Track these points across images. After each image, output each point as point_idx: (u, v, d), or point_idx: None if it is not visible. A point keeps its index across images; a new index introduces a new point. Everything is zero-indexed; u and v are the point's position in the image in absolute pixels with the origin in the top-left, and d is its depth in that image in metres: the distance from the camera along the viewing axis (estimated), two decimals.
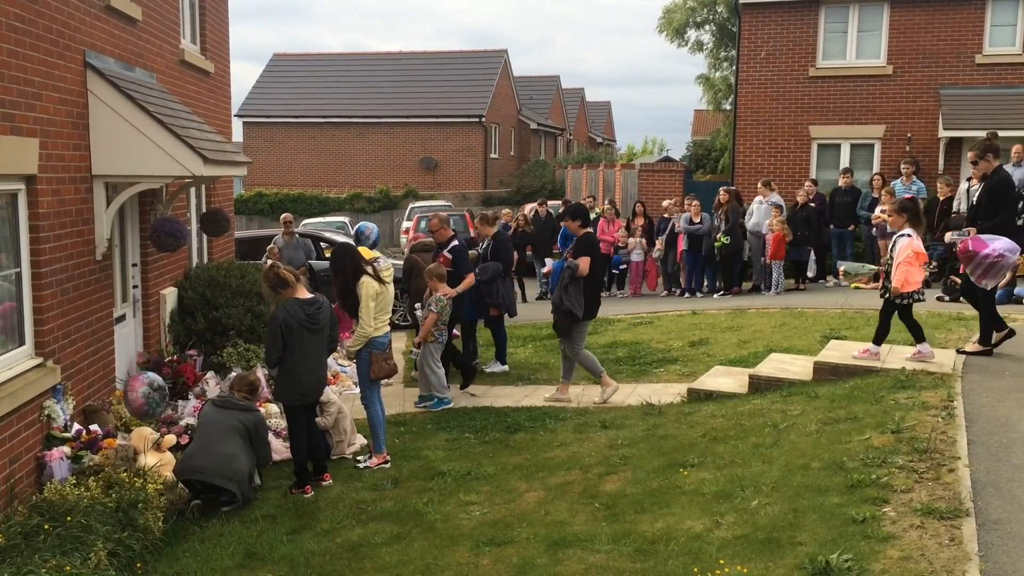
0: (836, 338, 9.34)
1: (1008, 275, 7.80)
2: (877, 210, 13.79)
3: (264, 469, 7.28)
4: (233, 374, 8.51)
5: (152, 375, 7.60)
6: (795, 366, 8.42)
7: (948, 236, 8.09)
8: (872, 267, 11.93)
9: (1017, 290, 12.18)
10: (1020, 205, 8.29)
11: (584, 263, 8.64)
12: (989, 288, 7.97)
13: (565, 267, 8.74)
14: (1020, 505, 4.83)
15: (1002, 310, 11.25)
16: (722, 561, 4.59)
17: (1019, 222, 8.19)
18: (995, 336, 8.21)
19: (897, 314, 7.88)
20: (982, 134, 16.25)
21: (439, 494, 6.54)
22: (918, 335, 7.87)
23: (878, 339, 7.95)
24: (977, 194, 8.27)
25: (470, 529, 5.78)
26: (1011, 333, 8.19)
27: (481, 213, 11.08)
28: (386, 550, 5.62)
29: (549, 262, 9.96)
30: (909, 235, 7.73)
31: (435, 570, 5.21)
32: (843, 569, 4.26)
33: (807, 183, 15.96)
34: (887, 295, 7.83)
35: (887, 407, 6.63)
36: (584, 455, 7.00)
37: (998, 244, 7.66)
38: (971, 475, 5.21)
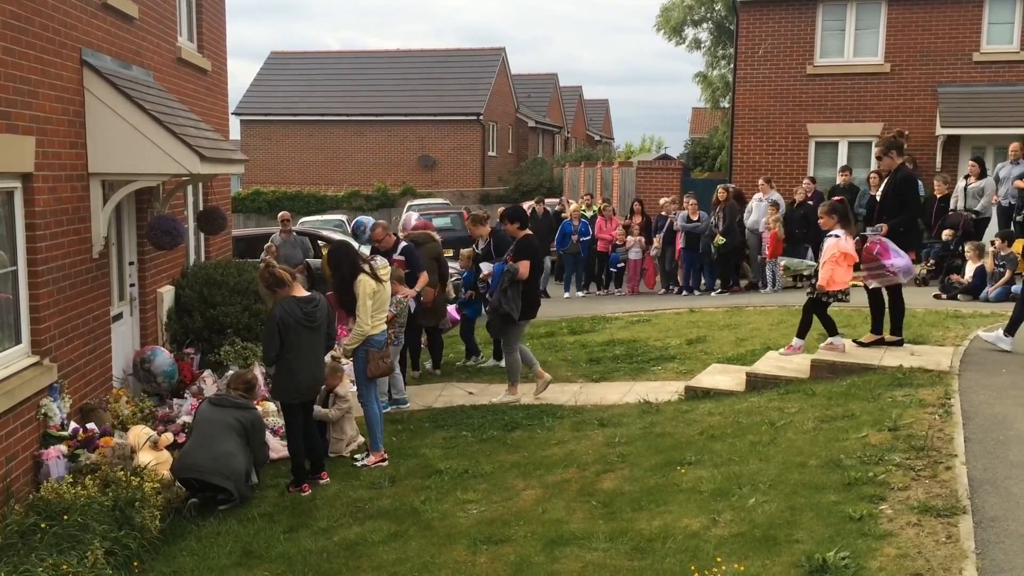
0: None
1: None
2: None
3: (262, 468, 7.28)
4: (230, 372, 8.50)
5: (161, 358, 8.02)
6: (792, 364, 8.41)
7: (869, 231, 8.24)
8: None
9: (1015, 288, 12.19)
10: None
11: (524, 267, 8.70)
12: (871, 288, 8.24)
13: (505, 270, 8.74)
14: (1017, 502, 4.83)
15: (999, 308, 11.28)
16: (719, 559, 4.59)
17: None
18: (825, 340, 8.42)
19: (808, 306, 8.28)
20: (980, 132, 16.46)
21: (436, 492, 6.54)
22: (831, 329, 8.19)
23: (801, 333, 8.38)
24: (881, 190, 8.40)
25: (467, 527, 5.78)
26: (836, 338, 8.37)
27: (473, 214, 11.04)
28: (383, 548, 5.62)
29: (487, 266, 10.03)
30: (838, 235, 7.98)
31: (432, 568, 5.21)
32: (840, 567, 4.26)
33: (805, 181, 15.97)
34: (812, 293, 8.20)
35: (884, 405, 6.63)
36: (581, 453, 7.00)
37: (899, 262, 7.90)
38: (968, 473, 5.22)
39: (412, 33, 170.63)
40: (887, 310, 8.34)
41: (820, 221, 8.41)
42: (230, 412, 6.85)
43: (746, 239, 15.74)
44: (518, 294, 8.67)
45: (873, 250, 7.94)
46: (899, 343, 8.28)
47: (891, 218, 8.13)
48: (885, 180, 8.37)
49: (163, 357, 8.21)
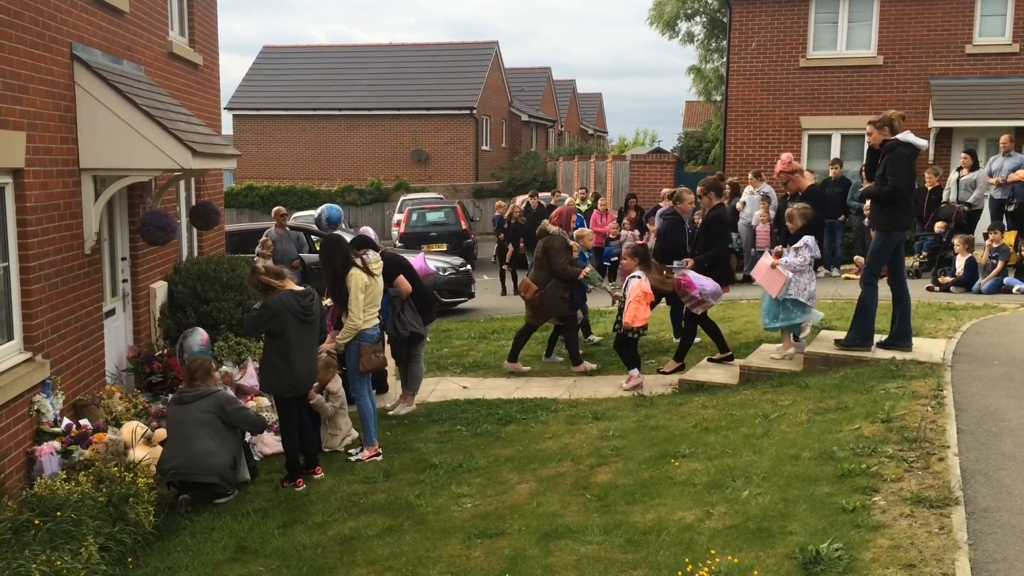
0: (826, 328, 9.36)
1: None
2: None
3: (259, 434, 7.32)
4: (224, 368, 8.48)
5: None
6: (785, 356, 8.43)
7: (675, 266, 9.33)
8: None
9: (1007, 280, 12.24)
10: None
11: (405, 285, 8.38)
12: (699, 313, 8.98)
13: (391, 297, 8.31)
14: (1009, 493, 4.86)
15: (992, 299, 11.32)
16: (713, 551, 4.60)
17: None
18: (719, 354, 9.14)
19: (618, 343, 9.01)
20: (972, 124, 16.51)
21: (431, 486, 6.54)
22: (635, 363, 8.98)
23: (631, 365, 8.99)
24: (698, 229, 9.44)
25: (462, 521, 5.78)
26: (731, 357, 9.07)
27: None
28: (378, 543, 5.62)
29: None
30: (639, 276, 8.76)
31: (427, 562, 5.22)
32: (833, 558, 4.28)
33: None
34: (619, 329, 8.87)
35: (877, 397, 6.65)
36: (576, 446, 7.01)
37: (706, 287, 8.73)
38: (960, 464, 5.24)
39: (399, 26, 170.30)
40: (707, 331, 9.17)
41: (623, 263, 9.35)
42: (195, 406, 6.73)
43: (737, 233, 15.73)
44: (413, 310, 8.45)
45: (681, 283, 8.80)
46: (729, 358, 9.05)
47: (700, 253, 9.01)
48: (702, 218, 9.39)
49: (198, 337, 8.43)
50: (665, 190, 16.91)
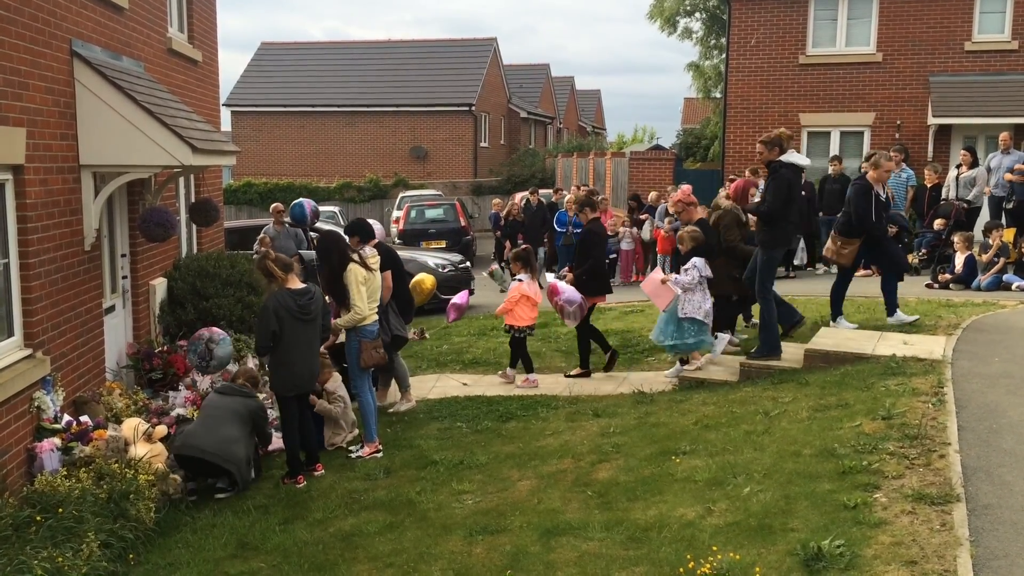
0: (826, 325, 9.37)
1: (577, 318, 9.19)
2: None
3: (267, 447, 7.39)
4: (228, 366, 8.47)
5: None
6: (786, 353, 8.44)
7: (552, 275, 9.94)
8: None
9: (1007, 277, 12.24)
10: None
11: (387, 282, 8.28)
12: (571, 326, 9.51)
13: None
14: (1010, 490, 4.86)
15: (991, 296, 11.33)
16: (715, 548, 4.61)
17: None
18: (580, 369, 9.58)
19: (511, 342, 9.46)
20: (972, 121, 16.50)
21: (432, 483, 6.54)
22: (528, 365, 9.44)
23: (512, 364, 9.52)
24: (576, 243, 10.01)
25: (463, 518, 5.79)
26: (588, 374, 9.51)
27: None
28: (379, 539, 5.63)
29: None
30: (521, 279, 9.33)
31: (428, 559, 5.22)
32: (835, 555, 4.28)
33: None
34: (508, 329, 9.41)
35: (878, 394, 6.66)
36: (576, 443, 7.01)
37: (567, 294, 9.18)
38: (961, 461, 5.25)
39: (395, 23, 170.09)
40: (592, 340, 9.61)
41: (511, 266, 9.75)
42: (237, 399, 6.98)
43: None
44: (395, 312, 8.46)
45: (549, 288, 9.36)
46: (587, 374, 9.49)
47: (578, 267, 9.50)
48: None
49: (228, 347, 8.29)
50: (670, 188, 16.96)
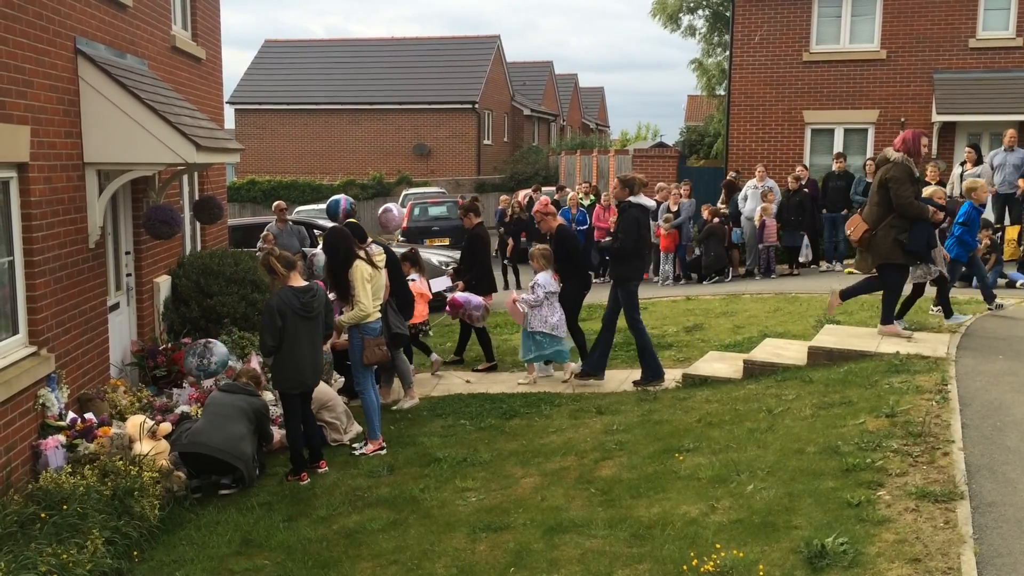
0: (830, 323, 9.36)
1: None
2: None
3: (268, 445, 7.41)
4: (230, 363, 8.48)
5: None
6: (789, 351, 8.44)
7: (445, 287, 10.86)
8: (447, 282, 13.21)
9: (1011, 274, 12.23)
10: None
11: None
12: (480, 326, 10.03)
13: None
14: (1014, 488, 4.86)
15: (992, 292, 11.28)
16: (718, 545, 4.61)
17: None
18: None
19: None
20: (976, 118, 16.47)
21: (435, 480, 6.55)
22: (427, 351, 10.04)
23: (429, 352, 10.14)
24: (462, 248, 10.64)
25: (466, 515, 5.79)
26: (495, 367, 10.05)
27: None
28: (383, 536, 5.64)
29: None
30: (414, 279, 9.59)
31: (432, 556, 5.23)
32: (839, 552, 4.28)
33: (799, 168, 15.97)
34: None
35: (881, 391, 6.65)
36: (580, 441, 7.01)
37: (472, 301, 9.86)
38: (965, 458, 5.24)
39: (396, 19, 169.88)
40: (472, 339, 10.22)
41: (404, 267, 9.98)
42: (241, 397, 7.03)
43: (740, 228, 15.75)
44: (395, 310, 8.43)
45: (452, 304, 9.90)
46: (493, 367, 10.01)
47: (467, 272, 10.22)
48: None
49: (223, 349, 8.29)
50: (673, 186, 16.93)
